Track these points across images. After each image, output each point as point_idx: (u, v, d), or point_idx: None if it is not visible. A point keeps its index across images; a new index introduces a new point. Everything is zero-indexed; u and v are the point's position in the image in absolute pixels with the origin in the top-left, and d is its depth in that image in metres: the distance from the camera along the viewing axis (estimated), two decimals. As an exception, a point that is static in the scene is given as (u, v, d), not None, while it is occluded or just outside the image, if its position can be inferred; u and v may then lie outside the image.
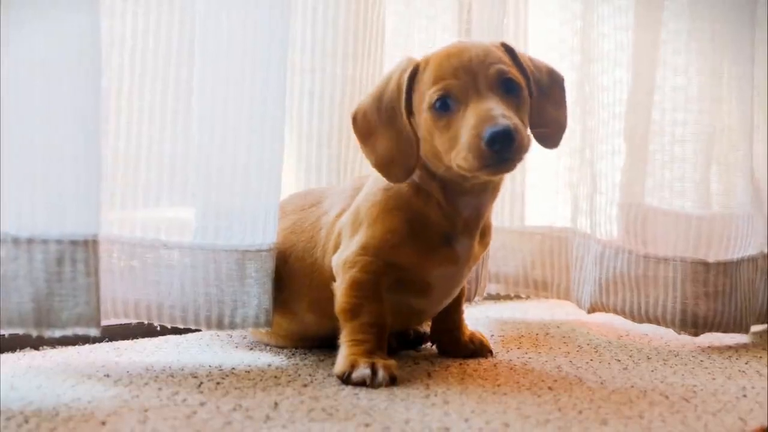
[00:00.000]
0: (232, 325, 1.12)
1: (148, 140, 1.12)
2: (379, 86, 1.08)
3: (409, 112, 1.05)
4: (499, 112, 0.97)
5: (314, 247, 1.14)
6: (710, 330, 1.35)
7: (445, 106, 1.01)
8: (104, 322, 1.22)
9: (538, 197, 1.61)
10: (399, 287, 1.08)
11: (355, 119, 1.08)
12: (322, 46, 1.32)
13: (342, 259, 1.07)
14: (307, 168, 1.34)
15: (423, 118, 1.03)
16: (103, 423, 0.84)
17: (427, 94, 1.02)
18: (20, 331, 0.95)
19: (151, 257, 1.10)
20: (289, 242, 1.16)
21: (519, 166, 1.51)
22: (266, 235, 1.12)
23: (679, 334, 1.36)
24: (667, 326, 1.37)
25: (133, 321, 1.13)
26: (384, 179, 1.07)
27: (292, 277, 1.14)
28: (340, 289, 1.07)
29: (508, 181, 1.55)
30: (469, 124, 0.97)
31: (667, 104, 1.40)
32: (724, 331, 1.36)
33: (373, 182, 1.11)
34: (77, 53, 0.96)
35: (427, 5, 1.47)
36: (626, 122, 1.42)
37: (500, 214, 1.55)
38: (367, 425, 0.85)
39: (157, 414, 0.88)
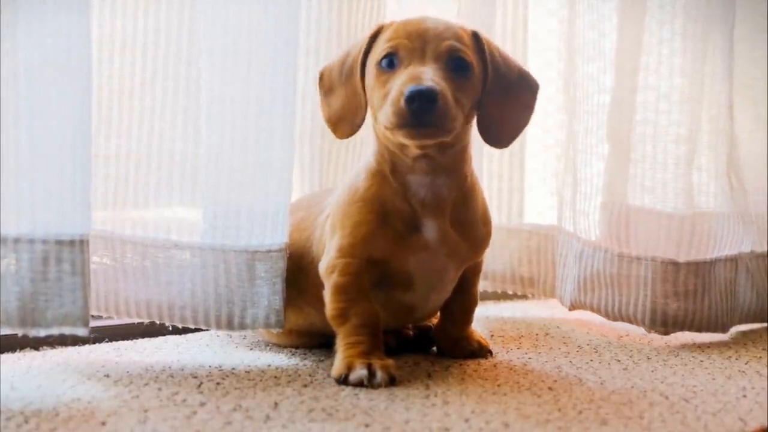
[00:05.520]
0: (243, 326, 1.12)
1: (158, 139, 1.12)
2: (348, 47, 1.12)
3: (365, 72, 1.07)
4: (428, 76, 0.98)
5: (311, 246, 1.15)
6: (681, 329, 1.35)
7: (390, 65, 1.03)
8: (105, 322, 1.23)
9: (531, 195, 1.60)
10: (383, 283, 1.09)
11: (321, 76, 1.12)
12: (305, 45, 1.31)
13: (324, 266, 1.08)
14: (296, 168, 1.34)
15: (370, 73, 1.05)
16: (103, 423, 0.84)
17: (377, 51, 1.05)
18: (5, 330, 0.95)
19: (162, 257, 1.10)
20: (294, 239, 1.16)
21: (511, 163, 1.55)
22: (276, 235, 1.12)
23: (649, 332, 1.36)
24: (638, 325, 1.36)
25: (146, 321, 1.13)
26: (351, 180, 1.10)
27: (298, 273, 1.15)
28: (326, 295, 1.08)
29: (497, 180, 1.54)
30: (398, 82, 0.99)
31: (650, 104, 1.39)
32: (698, 331, 1.36)
33: (341, 184, 1.12)
34: (66, 52, 0.95)
35: (425, 3, 1.46)
36: (609, 122, 1.42)
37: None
38: (367, 425, 0.85)
39: (157, 414, 0.88)
